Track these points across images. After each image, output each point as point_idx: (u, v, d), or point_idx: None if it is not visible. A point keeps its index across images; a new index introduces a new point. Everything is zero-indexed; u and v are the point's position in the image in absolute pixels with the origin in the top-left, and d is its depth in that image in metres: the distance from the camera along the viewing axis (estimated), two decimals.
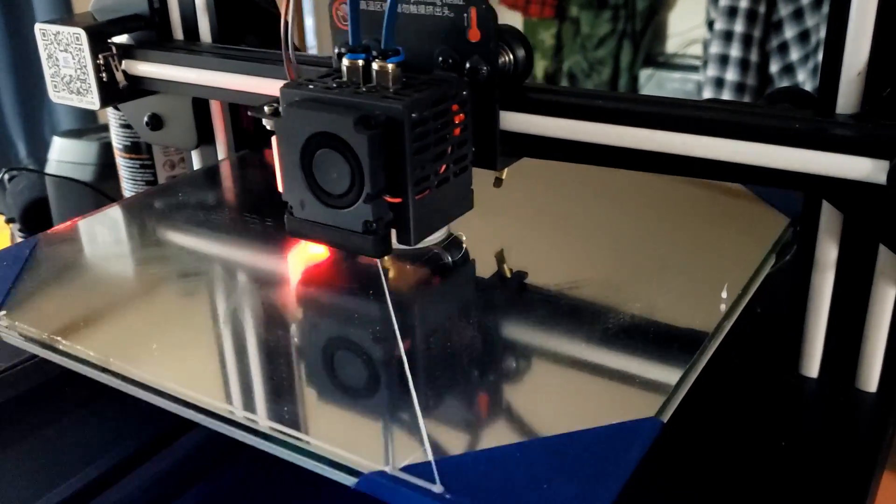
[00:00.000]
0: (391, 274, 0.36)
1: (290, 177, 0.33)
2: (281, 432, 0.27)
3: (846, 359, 0.34)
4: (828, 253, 0.33)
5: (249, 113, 0.36)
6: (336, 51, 0.36)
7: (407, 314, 0.34)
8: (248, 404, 0.29)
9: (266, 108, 0.35)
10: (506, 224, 0.41)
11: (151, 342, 0.33)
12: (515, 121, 0.36)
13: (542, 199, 0.44)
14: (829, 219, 0.33)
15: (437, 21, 0.34)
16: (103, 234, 0.43)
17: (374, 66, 0.33)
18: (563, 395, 0.30)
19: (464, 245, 0.39)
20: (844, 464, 0.31)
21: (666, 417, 0.27)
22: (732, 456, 0.32)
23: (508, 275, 0.37)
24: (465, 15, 0.34)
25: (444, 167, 0.33)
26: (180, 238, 0.42)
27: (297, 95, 0.33)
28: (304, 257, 0.39)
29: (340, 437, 0.27)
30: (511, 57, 0.35)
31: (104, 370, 0.31)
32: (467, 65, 0.34)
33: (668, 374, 0.29)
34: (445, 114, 0.33)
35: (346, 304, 0.36)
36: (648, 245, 0.39)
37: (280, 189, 0.34)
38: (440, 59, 0.35)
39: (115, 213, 0.45)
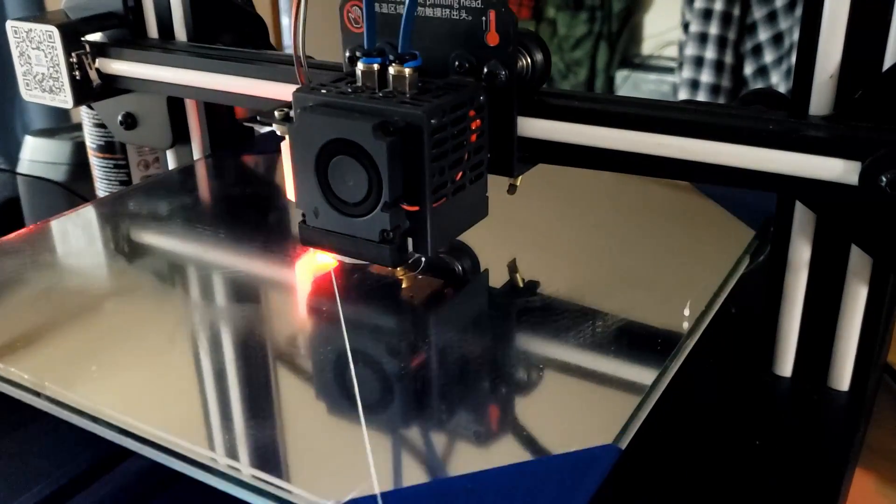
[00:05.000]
0: (345, 289, 0.35)
1: (303, 184, 0.32)
2: (222, 464, 0.26)
3: (819, 358, 0.35)
4: (801, 253, 0.34)
5: (259, 119, 0.35)
6: (347, 54, 0.35)
7: (360, 336, 0.32)
8: (189, 433, 0.27)
9: (277, 114, 0.33)
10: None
11: (91, 363, 0.31)
12: (533, 126, 0.35)
13: (506, 207, 0.43)
14: (802, 219, 0.33)
15: (453, 24, 0.33)
16: (59, 243, 0.41)
17: (391, 70, 0.32)
18: (517, 422, 0.28)
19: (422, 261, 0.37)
20: (817, 461, 0.31)
21: (624, 444, 0.26)
22: (707, 454, 0.32)
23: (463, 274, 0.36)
24: (484, 18, 0.33)
25: (460, 174, 0.32)
26: (143, 245, 0.41)
27: (311, 100, 0.32)
28: (266, 272, 0.37)
29: (284, 469, 0.26)
30: (529, 61, 0.34)
31: (38, 394, 0.29)
32: (485, 69, 0.33)
33: (626, 400, 0.28)
34: (463, 120, 0.32)
35: (299, 324, 0.34)
36: (610, 258, 0.38)
37: (292, 197, 0.33)
38: (456, 63, 0.34)
39: (87, 213, 0.44)
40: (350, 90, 0.32)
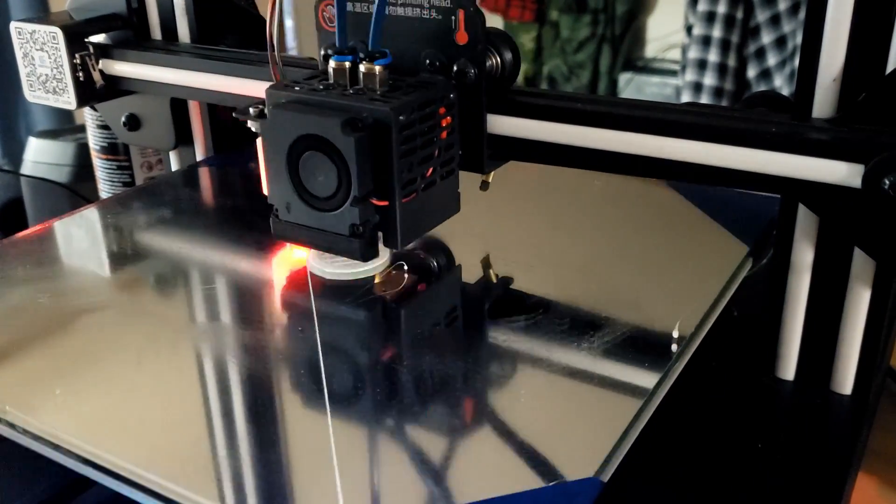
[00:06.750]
0: (322, 309, 0.34)
1: (275, 179, 0.32)
2: (187, 498, 0.25)
3: (822, 361, 0.35)
4: (804, 256, 0.34)
5: (234, 115, 0.35)
6: (322, 52, 0.36)
7: (337, 356, 0.31)
8: (153, 464, 0.26)
9: (251, 110, 0.34)
10: (463, 239, 0.39)
11: (56, 386, 0.29)
12: (502, 124, 0.35)
13: (502, 214, 0.42)
14: (805, 222, 0.33)
15: (424, 23, 0.34)
16: (41, 252, 0.40)
17: (361, 68, 0.32)
18: (495, 452, 0.27)
19: (405, 276, 0.36)
20: (820, 465, 0.31)
21: (607, 476, 0.25)
22: (709, 457, 0.32)
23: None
24: (453, 17, 0.33)
25: (430, 170, 0.33)
26: (139, 251, 0.40)
27: (283, 97, 0.32)
28: (255, 285, 0.37)
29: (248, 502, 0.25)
30: (498, 60, 0.34)
31: None
32: (454, 67, 0.34)
33: (608, 431, 0.27)
34: (432, 116, 0.32)
35: (275, 345, 0.33)
36: (603, 274, 0.37)
37: (265, 192, 0.34)
38: (427, 61, 0.34)
39: (90, 214, 0.44)
40: (322, 87, 0.33)
